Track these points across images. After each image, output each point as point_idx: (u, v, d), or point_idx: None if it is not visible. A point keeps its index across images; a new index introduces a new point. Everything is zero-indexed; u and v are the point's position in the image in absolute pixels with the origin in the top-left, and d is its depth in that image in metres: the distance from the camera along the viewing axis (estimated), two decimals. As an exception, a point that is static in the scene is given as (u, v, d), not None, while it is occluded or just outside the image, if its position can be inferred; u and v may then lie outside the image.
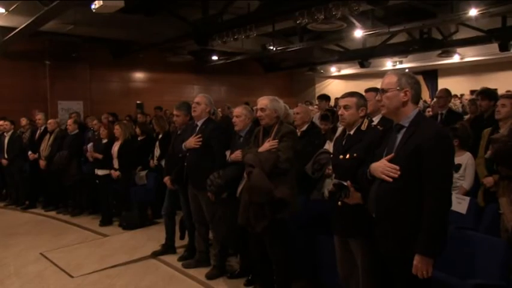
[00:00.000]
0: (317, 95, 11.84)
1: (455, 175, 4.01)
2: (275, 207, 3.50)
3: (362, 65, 14.25)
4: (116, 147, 6.58)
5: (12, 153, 8.05)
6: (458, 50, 13.01)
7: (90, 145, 7.13)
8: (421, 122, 2.41)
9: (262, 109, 3.75)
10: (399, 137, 2.45)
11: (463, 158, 4.16)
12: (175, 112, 5.04)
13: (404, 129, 2.44)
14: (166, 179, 4.92)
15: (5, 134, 8.22)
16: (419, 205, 2.28)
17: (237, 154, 3.79)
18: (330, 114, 5.99)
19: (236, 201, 3.86)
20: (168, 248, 5.24)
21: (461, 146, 4.18)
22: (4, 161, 8.09)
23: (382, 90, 2.51)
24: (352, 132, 3.00)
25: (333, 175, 3.20)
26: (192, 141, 4.40)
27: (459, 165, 4.12)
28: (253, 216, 3.57)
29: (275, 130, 3.70)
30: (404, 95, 2.45)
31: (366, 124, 3.00)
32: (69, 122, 7.58)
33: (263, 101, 3.77)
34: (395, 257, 2.40)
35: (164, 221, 5.33)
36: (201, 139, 4.36)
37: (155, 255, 5.19)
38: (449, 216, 2.36)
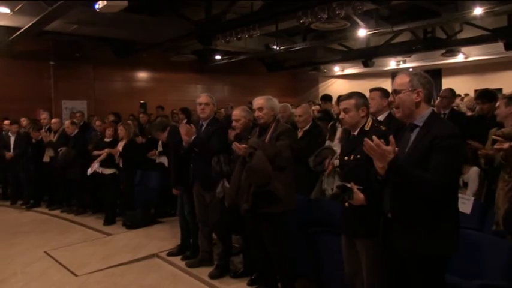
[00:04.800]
0: (320, 94, 11.82)
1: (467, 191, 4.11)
2: (265, 198, 3.52)
3: (365, 65, 14.20)
4: (120, 147, 6.61)
5: (19, 150, 8.13)
6: (463, 49, 12.95)
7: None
8: (435, 122, 2.39)
9: (260, 109, 3.77)
10: (413, 136, 2.43)
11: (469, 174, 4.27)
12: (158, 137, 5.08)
13: (418, 129, 2.42)
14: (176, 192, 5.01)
15: (9, 133, 8.28)
16: (435, 204, 2.29)
17: (237, 145, 3.67)
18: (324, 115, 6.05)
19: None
20: (183, 248, 5.14)
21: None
22: (9, 154, 8.15)
23: (395, 91, 2.48)
24: (356, 133, 3.00)
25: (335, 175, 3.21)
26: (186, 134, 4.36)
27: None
28: (240, 198, 3.65)
29: (272, 129, 3.73)
30: (417, 96, 2.41)
31: (370, 124, 2.99)
32: (67, 123, 7.54)
33: (259, 101, 3.80)
34: (412, 256, 2.39)
35: (179, 221, 5.28)
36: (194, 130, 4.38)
37: (170, 255, 5.14)
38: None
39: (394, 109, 2.58)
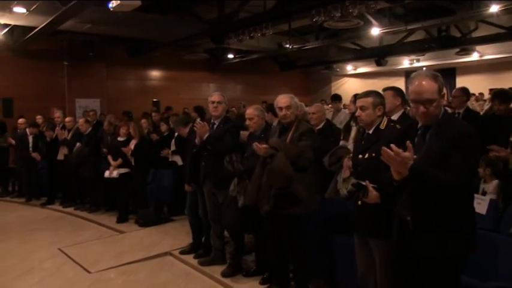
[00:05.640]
0: (333, 93, 11.76)
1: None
2: (286, 200, 3.49)
3: (378, 64, 14.12)
4: (132, 146, 6.65)
5: (39, 152, 8.29)
6: (478, 47, 12.81)
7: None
8: (448, 121, 2.35)
9: (287, 107, 3.70)
10: (427, 137, 2.38)
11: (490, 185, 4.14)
12: (179, 132, 5.06)
13: (431, 130, 2.36)
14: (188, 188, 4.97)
15: (27, 132, 8.41)
16: (455, 205, 2.26)
17: (258, 146, 3.63)
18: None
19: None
20: (196, 247, 5.16)
21: (492, 174, 4.13)
22: (35, 155, 8.30)
23: (429, 101, 2.30)
24: (371, 132, 3.00)
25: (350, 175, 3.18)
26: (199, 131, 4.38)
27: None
28: (261, 199, 3.62)
29: (294, 128, 3.69)
30: (443, 99, 2.35)
31: (385, 123, 2.99)
32: (81, 121, 7.60)
33: (286, 99, 3.73)
34: (431, 258, 2.35)
35: (189, 220, 5.31)
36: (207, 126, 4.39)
37: (183, 253, 5.16)
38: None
39: (418, 116, 2.47)
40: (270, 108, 5.47)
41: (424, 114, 2.34)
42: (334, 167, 4.32)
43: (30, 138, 8.37)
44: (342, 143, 4.84)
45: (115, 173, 6.75)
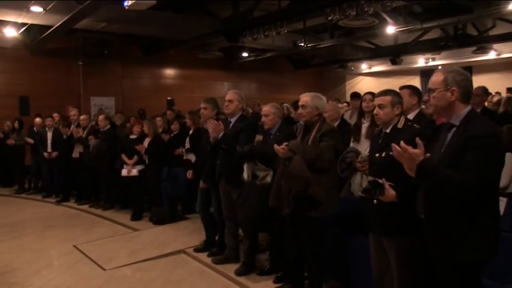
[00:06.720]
0: (348, 92, 11.68)
1: None
2: (305, 202, 3.47)
3: (394, 62, 14.00)
4: (145, 144, 6.68)
5: (57, 146, 8.43)
6: (495, 46, 12.60)
7: None
8: (472, 121, 2.29)
9: (303, 106, 3.69)
10: (449, 136, 2.35)
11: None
12: (203, 105, 5.02)
13: (454, 128, 2.33)
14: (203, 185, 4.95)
15: (46, 129, 8.51)
16: (471, 206, 2.21)
17: (277, 147, 3.59)
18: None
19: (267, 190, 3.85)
20: (209, 244, 5.18)
21: None
22: (46, 154, 8.44)
23: (430, 90, 2.40)
24: (388, 131, 2.97)
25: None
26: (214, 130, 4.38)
27: None
28: (281, 201, 3.61)
29: (316, 128, 3.66)
30: (451, 95, 2.32)
31: (403, 122, 2.96)
32: (101, 118, 7.67)
33: (304, 98, 3.71)
34: (445, 261, 2.32)
35: (201, 218, 5.32)
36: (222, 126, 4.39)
37: (196, 251, 5.18)
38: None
39: (426, 105, 2.51)
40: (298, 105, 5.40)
41: (428, 103, 2.46)
42: (345, 174, 4.28)
43: (50, 135, 8.47)
44: (352, 144, 4.75)
45: (134, 171, 6.79)
